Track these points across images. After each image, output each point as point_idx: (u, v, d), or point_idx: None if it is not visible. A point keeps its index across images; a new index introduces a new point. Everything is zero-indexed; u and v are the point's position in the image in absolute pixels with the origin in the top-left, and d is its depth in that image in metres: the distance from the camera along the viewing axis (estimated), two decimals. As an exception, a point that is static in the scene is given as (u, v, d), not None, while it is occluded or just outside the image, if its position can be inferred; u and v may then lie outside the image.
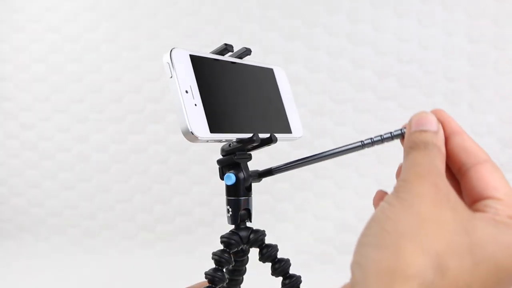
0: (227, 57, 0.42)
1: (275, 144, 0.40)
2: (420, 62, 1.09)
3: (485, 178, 0.26)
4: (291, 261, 0.43)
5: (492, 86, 1.06)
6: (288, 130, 0.45)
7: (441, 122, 0.29)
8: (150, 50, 1.22)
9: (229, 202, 0.41)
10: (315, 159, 0.38)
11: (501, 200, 0.25)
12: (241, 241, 0.41)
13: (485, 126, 1.07)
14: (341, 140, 1.13)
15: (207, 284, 0.39)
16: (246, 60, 0.44)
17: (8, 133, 1.31)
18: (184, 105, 0.35)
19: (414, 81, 1.10)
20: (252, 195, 0.41)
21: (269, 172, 0.41)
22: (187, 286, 0.46)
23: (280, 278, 0.42)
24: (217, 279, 0.39)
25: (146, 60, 1.22)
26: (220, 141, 0.38)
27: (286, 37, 1.15)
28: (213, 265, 0.40)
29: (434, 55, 1.08)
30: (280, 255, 0.43)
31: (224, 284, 0.41)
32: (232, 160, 0.40)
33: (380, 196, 0.32)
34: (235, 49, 0.42)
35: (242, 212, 0.41)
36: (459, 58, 1.07)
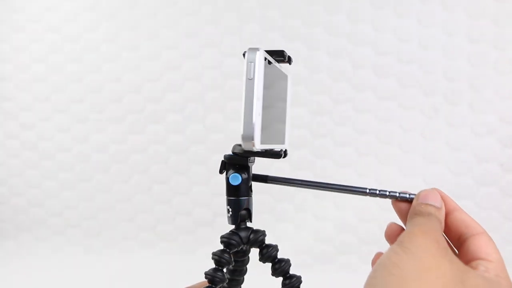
0: (275, 62, 0.40)
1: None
2: (420, 62, 1.09)
3: (481, 245, 0.31)
4: (291, 261, 0.43)
5: (492, 86, 1.06)
6: (284, 141, 0.45)
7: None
8: (150, 50, 1.22)
9: (229, 202, 0.41)
10: (314, 186, 0.39)
11: (491, 262, 0.30)
12: (241, 241, 0.41)
13: (485, 126, 1.07)
14: (341, 140, 1.13)
15: (207, 284, 0.39)
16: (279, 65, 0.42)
17: (8, 133, 1.31)
18: (254, 111, 0.34)
19: (414, 81, 1.10)
20: (252, 195, 0.41)
21: (263, 178, 0.41)
22: (187, 286, 0.46)
23: (280, 278, 0.42)
24: (217, 279, 0.39)
25: (146, 60, 1.22)
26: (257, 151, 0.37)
27: (286, 37, 1.14)
28: (213, 265, 0.40)
29: (434, 55, 1.08)
30: (280, 255, 0.43)
31: (225, 284, 0.41)
32: (245, 163, 0.40)
33: (378, 256, 0.35)
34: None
35: (243, 212, 0.41)
36: (459, 58, 1.07)
